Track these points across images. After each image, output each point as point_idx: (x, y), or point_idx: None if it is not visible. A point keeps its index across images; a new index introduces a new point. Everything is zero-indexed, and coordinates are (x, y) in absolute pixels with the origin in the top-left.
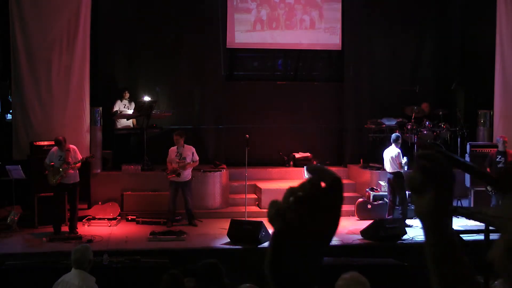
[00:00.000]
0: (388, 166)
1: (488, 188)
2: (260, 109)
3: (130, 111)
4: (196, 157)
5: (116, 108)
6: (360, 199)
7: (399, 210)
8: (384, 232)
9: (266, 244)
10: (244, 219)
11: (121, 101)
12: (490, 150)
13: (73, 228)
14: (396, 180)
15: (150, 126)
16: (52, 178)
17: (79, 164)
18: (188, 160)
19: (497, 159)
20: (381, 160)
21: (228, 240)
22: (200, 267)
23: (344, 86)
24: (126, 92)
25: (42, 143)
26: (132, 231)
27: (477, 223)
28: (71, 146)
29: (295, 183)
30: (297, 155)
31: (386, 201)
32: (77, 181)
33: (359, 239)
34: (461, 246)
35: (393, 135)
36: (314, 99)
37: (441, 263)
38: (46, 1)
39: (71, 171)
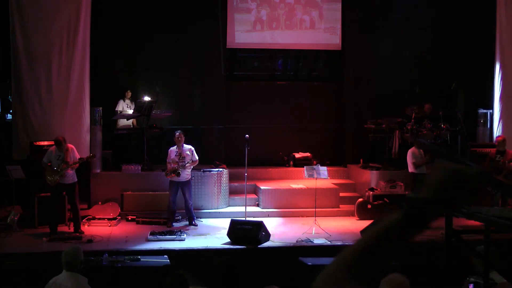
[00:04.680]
0: (408, 167)
1: (489, 188)
2: (260, 109)
3: (130, 111)
4: (196, 157)
5: (119, 108)
6: (360, 199)
7: None
8: None
9: (266, 244)
10: (244, 219)
11: (124, 101)
12: (491, 150)
13: (78, 227)
14: (410, 180)
15: (150, 126)
16: (50, 178)
17: (78, 164)
18: (188, 159)
19: (496, 159)
20: (381, 160)
21: (228, 240)
22: (215, 267)
23: (344, 86)
24: (128, 91)
25: (42, 143)
26: (132, 231)
27: (477, 223)
28: (69, 145)
29: (295, 183)
30: (297, 155)
31: (386, 201)
32: (75, 181)
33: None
34: None
35: None
36: (314, 99)
37: None
38: (46, 1)
39: (70, 171)
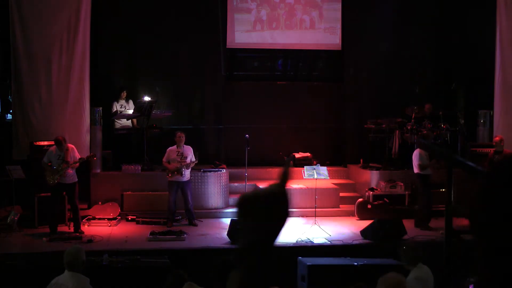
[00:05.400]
0: (413, 168)
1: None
2: (260, 109)
3: (129, 111)
4: (194, 157)
5: (114, 109)
6: (360, 199)
7: None
8: (384, 232)
9: None
10: None
11: (118, 102)
12: (491, 150)
13: (78, 227)
14: (417, 181)
15: (150, 126)
16: (50, 177)
17: (78, 164)
18: (189, 159)
19: (494, 159)
20: (381, 160)
21: (228, 240)
22: (216, 267)
23: (344, 86)
24: (124, 92)
25: (42, 143)
26: (132, 231)
27: None
28: (70, 145)
29: (295, 183)
30: (297, 155)
31: (386, 201)
32: (75, 181)
33: (359, 239)
34: None
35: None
36: (314, 99)
37: None
38: (46, 1)
39: (70, 171)
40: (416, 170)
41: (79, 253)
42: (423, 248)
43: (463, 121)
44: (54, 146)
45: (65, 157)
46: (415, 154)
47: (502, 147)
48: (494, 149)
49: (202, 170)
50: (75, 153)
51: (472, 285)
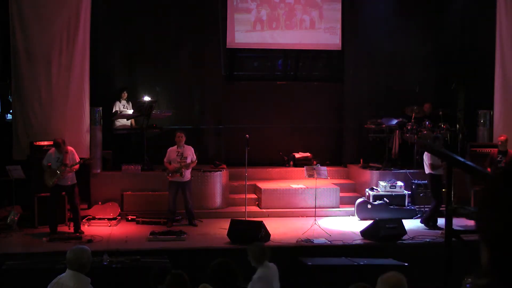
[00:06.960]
0: (425, 168)
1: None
2: (260, 109)
3: (129, 111)
4: (195, 157)
5: (116, 109)
6: (360, 199)
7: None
8: (384, 232)
9: (266, 244)
10: (244, 219)
11: (120, 102)
12: (491, 150)
13: (78, 228)
14: (429, 181)
15: (150, 126)
16: (49, 179)
17: (77, 166)
18: (189, 159)
19: (498, 159)
20: (380, 160)
21: (228, 240)
22: (212, 268)
23: (344, 86)
24: (124, 92)
25: (42, 143)
26: (132, 231)
27: None
28: (69, 147)
29: (295, 183)
30: (297, 155)
31: (386, 201)
32: (74, 183)
33: (359, 239)
34: None
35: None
36: (314, 99)
37: None
38: (46, 2)
39: (69, 173)
40: (427, 170)
41: (82, 253)
42: (269, 248)
43: (463, 118)
44: (53, 148)
45: (64, 159)
46: (426, 154)
47: (506, 147)
48: (497, 149)
49: (202, 170)
50: (75, 156)
51: (469, 284)
